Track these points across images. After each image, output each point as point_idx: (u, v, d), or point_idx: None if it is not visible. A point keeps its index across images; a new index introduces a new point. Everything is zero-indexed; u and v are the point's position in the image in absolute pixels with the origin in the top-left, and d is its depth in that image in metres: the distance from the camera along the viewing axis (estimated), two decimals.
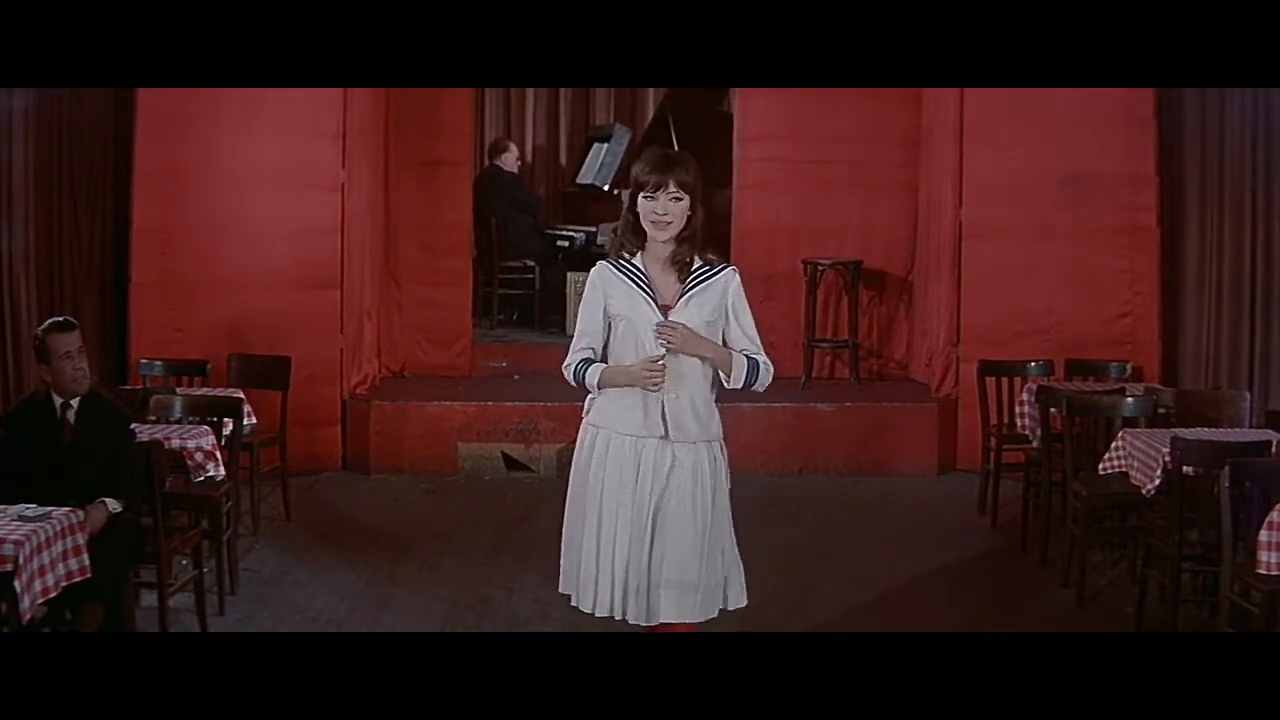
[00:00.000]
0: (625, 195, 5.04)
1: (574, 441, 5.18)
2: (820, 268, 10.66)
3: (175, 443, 6.97)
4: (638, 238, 4.96)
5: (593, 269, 5.06)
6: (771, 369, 5.02)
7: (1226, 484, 6.08)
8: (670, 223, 4.90)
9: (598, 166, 13.15)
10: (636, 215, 4.93)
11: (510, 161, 12.56)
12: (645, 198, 4.88)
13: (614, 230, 5.05)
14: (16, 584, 5.23)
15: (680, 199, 4.88)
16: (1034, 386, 8.42)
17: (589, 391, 5.01)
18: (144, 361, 8.82)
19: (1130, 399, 7.77)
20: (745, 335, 5.03)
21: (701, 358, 4.93)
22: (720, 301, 5.00)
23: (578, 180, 13.46)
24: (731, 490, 5.09)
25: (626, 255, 4.99)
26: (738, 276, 5.07)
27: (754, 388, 4.97)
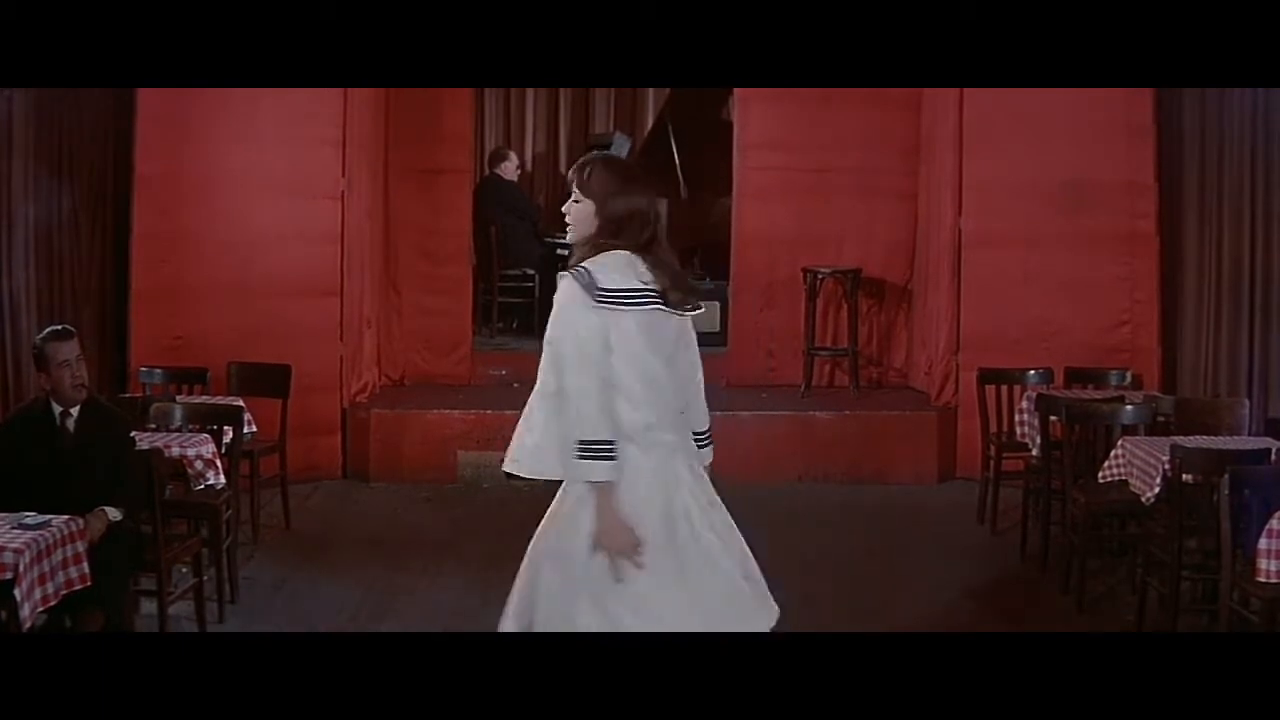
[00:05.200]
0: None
1: None
2: (820, 276, 10.66)
3: (175, 450, 6.97)
4: None
5: None
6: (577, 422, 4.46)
7: (1226, 491, 6.09)
8: (568, 225, 4.61)
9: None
10: None
11: (510, 169, 12.56)
12: None
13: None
14: (16, 592, 5.24)
15: (578, 201, 4.58)
16: (1033, 394, 8.42)
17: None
18: (144, 369, 8.84)
19: (1129, 407, 7.78)
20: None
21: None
22: None
23: None
24: (720, 500, 4.79)
25: None
26: (565, 281, 4.52)
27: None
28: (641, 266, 4.49)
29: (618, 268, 4.47)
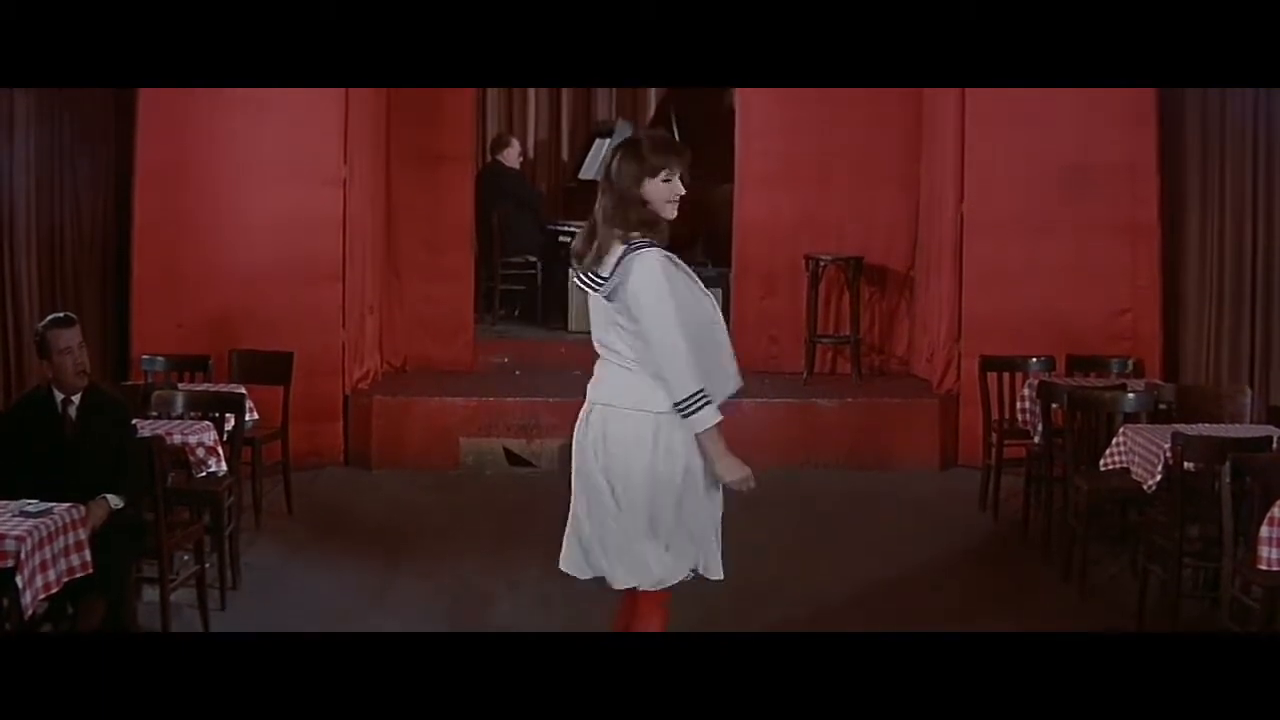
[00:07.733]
0: (618, 179, 4.84)
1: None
2: (822, 263, 10.65)
3: (177, 438, 6.97)
4: (658, 224, 4.87)
5: (658, 258, 4.82)
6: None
7: (1227, 479, 6.09)
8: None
9: (600, 162, 13.14)
10: (645, 201, 4.82)
11: (512, 157, 12.55)
12: (665, 181, 4.82)
13: (621, 217, 4.79)
14: (18, 579, 5.24)
15: None
16: (1035, 382, 8.42)
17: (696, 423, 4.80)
18: (146, 357, 8.83)
19: (1131, 394, 7.77)
20: None
21: None
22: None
23: (580, 176, 13.45)
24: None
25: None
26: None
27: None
28: None
29: None
